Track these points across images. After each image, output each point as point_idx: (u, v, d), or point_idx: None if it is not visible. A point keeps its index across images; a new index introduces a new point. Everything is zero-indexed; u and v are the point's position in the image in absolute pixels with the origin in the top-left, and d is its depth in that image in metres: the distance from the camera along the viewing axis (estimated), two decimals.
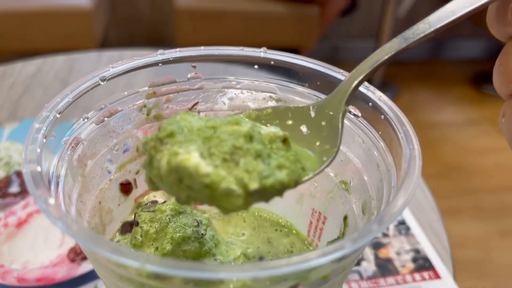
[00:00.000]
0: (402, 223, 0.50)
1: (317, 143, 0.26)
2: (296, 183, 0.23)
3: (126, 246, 0.28)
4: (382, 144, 0.27)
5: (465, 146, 1.96)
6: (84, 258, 0.45)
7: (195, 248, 0.28)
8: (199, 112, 0.33)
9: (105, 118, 0.28)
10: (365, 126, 0.28)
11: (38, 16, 1.54)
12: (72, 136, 0.26)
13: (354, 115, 0.29)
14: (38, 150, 0.22)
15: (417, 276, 0.45)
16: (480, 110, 2.19)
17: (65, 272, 0.43)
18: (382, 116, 0.26)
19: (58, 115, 0.25)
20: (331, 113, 0.26)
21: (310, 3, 1.72)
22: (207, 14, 1.65)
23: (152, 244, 0.28)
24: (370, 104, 0.27)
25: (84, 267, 0.44)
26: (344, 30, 2.26)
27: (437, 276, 0.45)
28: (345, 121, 0.28)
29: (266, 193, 0.21)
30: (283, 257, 0.32)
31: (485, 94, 2.26)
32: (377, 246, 0.48)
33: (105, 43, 1.88)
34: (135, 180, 0.32)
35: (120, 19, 2.03)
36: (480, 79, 2.32)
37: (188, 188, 0.21)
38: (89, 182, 0.28)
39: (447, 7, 0.23)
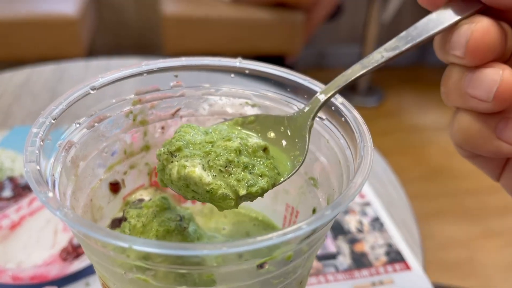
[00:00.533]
0: (376, 219, 0.54)
1: (290, 149, 0.31)
2: (273, 186, 0.29)
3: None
4: (343, 142, 0.30)
5: (450, 149, 1.99)
6: (76, 257, 0.47)
7: (178, 240, 0.31)
8: (181, 117, 0.36)
9: (95, 124, 0.31)
10: (329, 127, 0.31)
11: (25, 25, 1.56)
12: (65, 140, 0.29)
13: (320, 118, 0.32)
14: (37, 152, 0.25)
15: (389, 268, 0.48)
16: None
17: (57, 270, 0.46)
18: (343, 119, 0.30)
19: (53, 121, 0.28)
20: (302, 125, 0.31)
21: (295, 10, 1.75)
22: (194, 21, 1.68)
23: (139, 237, 0.30)
24: (333, 108, 0.31)
25: (76, 266, 0.46)
26: (330, 35, 2.31)
27: (407, 267, 0.48)
28: (315, 123, 0.32)
29: (251, 196, 0.28)
30: None
31: None
32: (352, 241, 0.51)
33: (93, 51, 1.90)
34: (123, 180, 0.34)
35: (107, 26, 2.06)
36: None
37: (193, 191, 0.27)
38: (81, 181, 0.30)
39: (401, 36, 0.27)
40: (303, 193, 0.34)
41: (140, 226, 0.31)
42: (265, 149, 0.29)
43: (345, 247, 0.50)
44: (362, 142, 0.27)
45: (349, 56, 2.30)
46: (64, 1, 1.64)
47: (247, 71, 0.34)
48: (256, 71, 0.34)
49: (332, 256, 0.49)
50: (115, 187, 0.34)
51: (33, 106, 0.70)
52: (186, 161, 0.27)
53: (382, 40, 2.35)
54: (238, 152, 0.28)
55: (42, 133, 0.27)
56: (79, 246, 0.48)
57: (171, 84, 0.34)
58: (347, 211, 0.54)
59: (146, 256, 0.23)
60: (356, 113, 0.30)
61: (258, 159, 0.29)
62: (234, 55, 0.35)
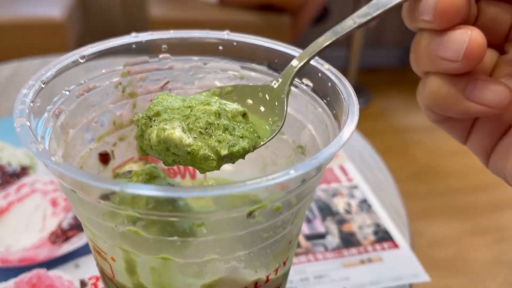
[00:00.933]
0: (364, 201, 0.54)
1: (269, 115, 0.32)
2: (254, 148, 0.29)
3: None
4: (329, 107, 0.30)
5: (437, 149, 2.02)
6: (65, 240, 0.47)
7: (168, 210, 0.31)
8: (170, 90, 0.36)
9: (85, 93, 0.31)
10: (316, 94, 0.32)
11: (10, 28, 1.55)
12: (55, 106, 0.29)
13: (307, 85, 0.32)
14: (27, 111, 0.25)
15: (377, 246, 0.49)
16: None
17: (46, 253, 0.46)
18: (329, 84, 0.30)
19: (43, 85, 0.28)
20: (279, 92, 0.31)
21: (282, 13, 1.77)
22: (180, 23, 1.69)
23: (130, 207, 0.31)
24: (319, 74, 0.31)
25: (65, 248, 0.46)
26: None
27: (395, 246, 0.49)
28: (299, 91, 0.33)
29: (233, 157, 0.27)
30: None
31: None
32: (341, 222, 0.51)
33: None
34: (112, 151, 0.35)
35: (94, 29, 2.05)
36: None
37: (174, 154, 0.27)
38: (71, 148, 0.30)
39: (372, 3, 0.28)
40: (292, 162, 0.35)
41: (129, 196, 0.31)
42: (244, 115, 0.29)
43: (333, 228, 0.50)
44: (349, 101, 0.28)
45: (335, 60, 2.32)
46: (50, 5, 1.63)
47: (235, 43, 0.34)
48: (244, 43, 0.34)
49: (321, 236, 0.49)
50: (104, 158, 0.34)
51: None
52: (166, 124, 0.27)
53: (368, 43, 2.38)
54: (218, 115, 0.28)
55: (32, 95, 0.27)
56: (68, 229, 0.48)
57: (160, 56, 0.35)
58: (335, 194, 0.55)
59: (136, 201, 0.23)
60: (341, 76, 0.30)
61: (238, 124, 0.29)
62: None
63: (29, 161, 0.57)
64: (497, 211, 1.70)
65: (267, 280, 0.29)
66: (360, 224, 0.51)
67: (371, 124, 2.15)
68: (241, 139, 0.28)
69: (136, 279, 0.27)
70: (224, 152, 0.27)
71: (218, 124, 0.27)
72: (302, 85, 0.33)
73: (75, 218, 0.49)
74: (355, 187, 0.56)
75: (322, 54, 0.30)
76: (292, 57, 0.33)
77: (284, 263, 0.30)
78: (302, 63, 0.30)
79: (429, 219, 1.63)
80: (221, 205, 0.23)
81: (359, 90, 2.27)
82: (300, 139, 0.34)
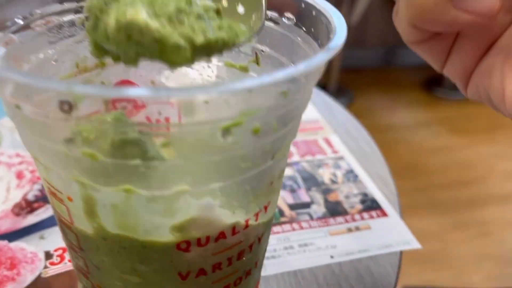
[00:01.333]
0: (350, 171, 0.52)
1: (246, 17, 0.27)
2: (233, 44, 0.24)
3: None
4: (314, 40, 0.27)
5: (419, 146, 2.03)
6: (30, 212, 0.43)
7: (137, 154, 0.28)
8: None
9: (42, 25, 0.28)
10: (299, 27, 0.29)
11: None
12: (6, 33, 0.26)
13: (289, 19, 0.29)
14: None
15: (365, 215, 0.46)
16: (432, 112, 2.28)
17: (9, 224, 0.42)
18: (313, 12, 0.27)
19: None
20: None
21: None
22: None
23: (91, 151, 0.27)
24: (303, 5, 0.28)
25: (30, 220, 0.42)
26: None
27: (384, 214, 0.46)
28: (280, 28, 0.30)
29: (209, 49, 0.22)
30: None
31: (436, 97, 2.37)
32: (326, 191, 0.49)
33: None
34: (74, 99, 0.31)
35: None
36: (430, 83, 2.42)
37: (137, 44, 0.22)
38: None
39: None
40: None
41: (93, 137, 0.27)
42: (218, 11, 0.24)
43: (319, 197, 0.48)
44: (334, 19, 0.25)
45: None
46: None
47: None
48: None
49: (306, 205, 0.47)
50: (66, 107, 0.30)
51: None
52: (127, 7, 0.21)
53: (349, 41, 2.38)
54: (189, 2, 0.23)
55: None
56: (34, 201, 0.45)
57: None
58: (320, 165, 0.52)
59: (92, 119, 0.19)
60: (327, 4, 0.27)
61: (212, 18, 0.24)
62: None
63: None
64: (479, 206, 1.70)
65: (246, 225, 0.26)
66: (346, 194, 0.48)
67: None
68: (218, 30, 0.24)
69: (97, 222, 0.23)
70: (199, 39, 0.22)
71: (190, 11, 0.23)
72: (284, 20, 0.30)
73: (42, 190, 0.46)
74: (341, 158, 0.54)
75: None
76: None
77: (265, 208, 0.27)
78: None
79: (413, 214, 1.63)
80: (189, 111, 0.20)
81: (341, 90, 2.27)
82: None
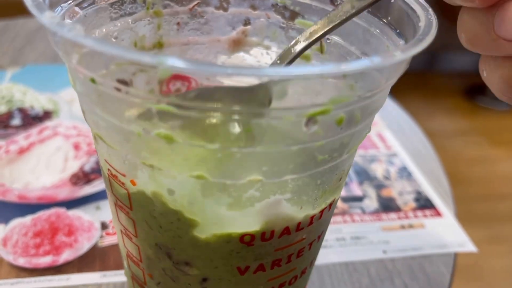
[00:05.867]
0: (403, 168, 0.51)
1: None
2: None
3: None
4: (390, 28, 0.26)
5: (457, 155, 1.98)
6: (87, 183, 0.44)
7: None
8: (199, 14, 0.32)
9: (103, 2, 0.28)
10: (372, 15, 0.27)
11: None
12: (70, 4, 0.25)
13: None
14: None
15: (419, 213, 0.45)
16: (472, 121, 2.22)
17: (66, 193, 0.43)
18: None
19: None
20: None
21: None
22: None
23: None
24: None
25: (86, 190, 0.43)
26: None
27: (438, 214, 0.45)
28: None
29: None
30: None
31: (477, 106, 2.30)
32: (379, 187, 0.48)
33: None
34: (131, 80, 0.31)
35: None
36: (472, 91, 2.35)
37: None
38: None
39: None
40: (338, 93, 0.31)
41: (174, 118, 0.24)
42: None
43: (371, 192, 0.47)
44: (424, 13, 0.24)
45: None
46: None
47: None
48: None
49: (358, 199, 0.46)
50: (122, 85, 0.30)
51: (47, 50, 0.68)
52: None
53: None
54: None
55: None
56: (90, 173, 0.45)
57: None
58: (372, 160, 0.51)
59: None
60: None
61: None
62: None
63: (52, 106, 0.54)
64: None
65: (311, 222, 0.24)
66: (400, 191, 0.47)
67: None
68: None
69: (160, 208, 0.22)
70: None
71: None
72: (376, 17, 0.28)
73: (98, 163, 0.47)
74: (394, 154, 0.53)
75: None
76: None
77: (330, 206, 0.26)
78: (288, 60, 0.25)
79: None
80: (278, 95, 0.19)
81: None
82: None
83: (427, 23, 0.22)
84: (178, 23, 0.32)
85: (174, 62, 0.16)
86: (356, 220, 0.43)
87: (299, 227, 0.24)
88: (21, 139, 0.49)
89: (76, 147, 0.48)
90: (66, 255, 0.37)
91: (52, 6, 0.24)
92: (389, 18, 0.27)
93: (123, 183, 0.23)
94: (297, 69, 0.17)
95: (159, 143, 0.20)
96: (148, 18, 0.30)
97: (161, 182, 0.21)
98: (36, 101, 0.55)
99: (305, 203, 0.23)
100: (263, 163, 0.20)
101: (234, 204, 0.21)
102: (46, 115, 0.53)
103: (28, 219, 0.40)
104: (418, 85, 2.44)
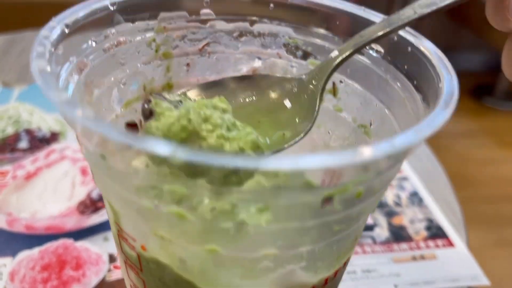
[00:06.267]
0: (414, 194, 0.50)
1: (296, 117, 0.27)
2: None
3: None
4: (408, 80, 0.25)
5: (464, 156, 1.96)
6: (94, 211, 0.44)
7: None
8: (209, 54, 0.31)
9: (114, 47, 0.27)
10: (388, 63, 0.27)
11: None
12: (80, 57, 0.24)
13: (377, 51, 0.27)
14: (47, 56, 0.20)
15: (430, 243, 0.44)
16: (479, 121, 2.20)
17: (74, 222, 0.43)
18: (409, 48, 0.25)
19: (66, 30, 0.23)
20: (312, 88, 0.27)
21: None
22: None
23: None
24: (395, 38, 0.26)
25: (94, 219, 0.43)
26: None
27: (450, 244, 0.44)
28: (365, 58, 0.28)
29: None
30: None
31: (485, 106, 2.28)
32: (390, 214, 0.47)
33: None
34: (141, 122, 0.30)
35: None
36: (480, 91, 2.33)
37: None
38: (95, 111, 0.26)
39: None
40: (349, 144, 0.30)
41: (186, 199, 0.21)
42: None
43: (382, 220, 0.46)
44: (441, 72, 0.23)
45: None
46: None
47: (289, 1, 0.30)
48: (300, 2, 0.29)
49: (369, 228, 0.45)
50: (132, 129, 0.29)
51: None
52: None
53: None
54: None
55: (53, 38, 0.22)
56: (98, 200, 0.45)
57: (201, 12, 0.30)
58: None
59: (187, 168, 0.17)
60: (427, 42, 0.25)
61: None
62: None
63: (59, 127, 0.54)
64: None
65: (325, 283, 0.24)
66: (411, 218, 0.47)
67: None
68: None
69: (170, 276, 0.22)
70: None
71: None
72: (371, 52, 0.28)
73: None
74: (405, 178, 0.52)
75: None
76: (361, 19, 0.28)
77: (345, 264, 0.25)
78: (343, 56, 0.25)
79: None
80: (294, 182, 0.18)
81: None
82: (364, 118, 0.29)
83: (450, 88, 0.21)
84: (187, 64, 0.31)
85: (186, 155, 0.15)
86: (367, 251, 0.43)
87: None
88: (28, 163, 0.48)
89: (84, 172, 0.48)
90: None
91: (62, 61, 0.23)
92: (405, 68, 0.26)
93: (133, 247, 0.22)
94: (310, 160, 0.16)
95: (171, 218, 0.19)
96: (158, 61, 0.30)
97: (172, 252, 0.21)
98: (43, 121, 0.54)
99: (319, 267, 0.23)
100: (278, 237, 0.20)
101: (247, 274, 0.21)
102: (53, 136, 0.53)
103: (35, 252, 0.39)
104: None
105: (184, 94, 0.28)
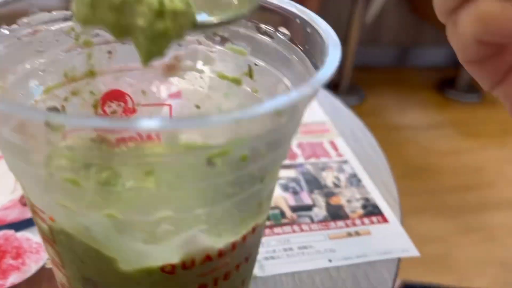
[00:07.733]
0: (353, 175, 0.52)
1: None
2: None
3: None
4: (307, 57, 0.27)
5: (429, 148, 2.01)
6: None
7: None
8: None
9: (30, 36, 0.27)
10: (293, 43, 0.28)
11: None
12: None
13: (284, 34, 0.29)
14: None
15: (366, 220, 0.46)
16: (443, 114, 2.26)
17: (16, 214, 0.43)
18: (308, 29, 0.27)
19: None
20: None
21: None
22: None
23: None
24: (297, 20, 0.27)
25: None
26: None
27: (385, 220, 0.47)
28: (273, 42, 0.29)
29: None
30: None
31: (448, 99, 2.34)
32: (328, 195, 0.49)
33: None
34: (63, 107, 0.30)
35: None
36: (443, 84, 2.40)
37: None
38: (10, 96, 0.26)
39: None
40: None
41: (74, 164, 0.21)
42: None
43: (321, 200, 0.48)
44: (328, 41, 0.24)
45: None
46: None
47: None
48: None
49: (308, 208, 0.47)
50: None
51: None
52: None
53: (364, 40, 2.36)
54: None
55: None
56: None
57: None
58: (324, 168, 0.53)
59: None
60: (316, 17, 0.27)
61: None
62: None
63: None
64: (486, 210, 1.69)
65: (234, 247, 0.25)
66: (348, 198, 0.49)
67: (364, 121, 2.13)
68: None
69: (79, 245, 0.22)
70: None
71: None
72: (278, 34, 0.29)
73: None
74: (345, 162, 0.54)
75: None
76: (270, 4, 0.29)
77: (254, 230, 0.26)
78: None
79: (420, 216, 1.62)
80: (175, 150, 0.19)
81: (353, 88, 2.26)
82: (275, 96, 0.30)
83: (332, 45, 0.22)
84: (109, 52, 0.32)
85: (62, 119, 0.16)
86: (304, 229, 0.45)
87: (221, 253, 0.24)
88: None
89: None
90: (12, 279, 0.37)
91: None
92: (306, 47, 0.28)
93: (43, 219, 0.23)
94: (184, 122, 0.18)
95: (67, 185, 0.20)
96: (78, 49, 0.31)
97: (77, 221, 0.22)
98: None
99: (223, 231, 0.24)
100: (171, 200, 0.21)
101: (149, 238, 0.22)
102: None
103: None
104: (390, 80, 2.47)
105: None
